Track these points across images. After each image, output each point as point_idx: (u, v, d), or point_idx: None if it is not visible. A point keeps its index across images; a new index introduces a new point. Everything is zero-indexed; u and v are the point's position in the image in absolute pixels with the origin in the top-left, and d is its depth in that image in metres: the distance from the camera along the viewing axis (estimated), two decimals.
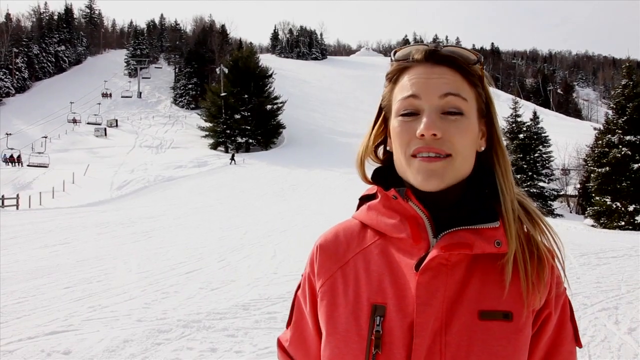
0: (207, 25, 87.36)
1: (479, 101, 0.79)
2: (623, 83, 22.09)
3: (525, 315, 0.74)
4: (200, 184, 26.83)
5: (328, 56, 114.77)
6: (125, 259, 7.74)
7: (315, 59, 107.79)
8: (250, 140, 45.94)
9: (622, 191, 20.40)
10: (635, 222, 19.52)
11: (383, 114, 0.85)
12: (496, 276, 0.75)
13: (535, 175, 26.70)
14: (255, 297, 5.45)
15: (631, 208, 19.89)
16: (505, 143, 0.83)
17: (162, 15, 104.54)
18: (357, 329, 0.75)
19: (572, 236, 11.95)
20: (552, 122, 51.09)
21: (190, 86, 66.80)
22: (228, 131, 44.89)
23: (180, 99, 67.50)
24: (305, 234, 10.49)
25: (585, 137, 33.18)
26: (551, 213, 24.61)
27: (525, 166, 26.62)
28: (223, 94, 45.67)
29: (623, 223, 19.72)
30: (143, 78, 73.64)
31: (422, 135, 0.73)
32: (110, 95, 68.42)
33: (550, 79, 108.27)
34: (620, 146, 20.83)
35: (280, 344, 0.94)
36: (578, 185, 29.22)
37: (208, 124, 46.26)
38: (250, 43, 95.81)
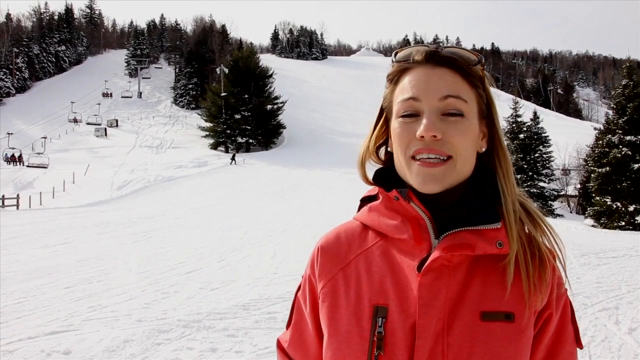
0: (208, 25, 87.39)
1: (480, 102, 0.79)
2: (623, 83, 22.09)
3: (527, 316, 0.74)
4: (201, 184, 26.84)
5: (328, 56, 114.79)
6: (125, 259, 7.74)
7: (316, 59, 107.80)
8: (251, 140, 45.96)
9: (622, 191, 20.40)
10: (636, 222, 19.52)
11: (384, 115, 0.85)
12: (498, 277, 0.75)
13: (535, 176, 26.71)
14: (256, 297, 5.45)
15: (631, 208, 19.89)
16: (506, 143, 0.83)
17: (162, 15, 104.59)
18: (359, 330, 0.75)
19: (572, 236, 11.95)
20: (553, 122, 51.11)
21: (190, 86, 66.84)
22: (228, 131, 44.91)
23: (180, 99, 67.53)
24: (305, 234, 10.49)
25: (585, 137, 33.17)
26: (551, 213, 24.62)
27: (525, 166, 26.63)
28: (223, 94, 45.68)
29: (623, 223, 19.72)
30: (143, 78, 73.67)
31: (422, 136, 0.73)
32: (111, 95, 68.46)
33: (550, 79, 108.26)
34: (621, 146, 20.83)
35: (279, 345, 0.94)
36: (578, 186, 29.21)
37: (208, 124, 46.29)
38: (251, 43, 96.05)
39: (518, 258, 0.75)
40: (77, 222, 12.67)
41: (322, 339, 0.82)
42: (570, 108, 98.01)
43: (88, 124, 53.32)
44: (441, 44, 0.81)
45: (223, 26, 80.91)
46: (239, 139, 45.01)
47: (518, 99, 32.60)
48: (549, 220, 0.82)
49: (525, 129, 28.10)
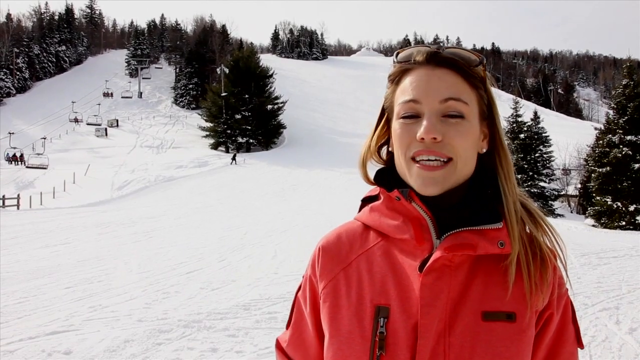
0: (208, 25, 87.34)
1: (481, 103, 0.79)
2: (624, 83, 22.09)
3: (528, 316, 0.74)
4: (201, 184, 26.85)
5: (329, 56, 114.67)
6: (126, 259, 7.75)
7: (316, 59, 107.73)
8: (251, 140, 45.97)
9: (622, 191, 20.40)
10: (636, 222, 19.52)
11: (386, 115, 0.85)
12: (499, 277, 0.75)
13: (536, 175, 26.73)
14: (256, 297, 5.46)
15: (632, 208, 19.89)
16: (506, 143, 0.83)
17: (162, 15, 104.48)
18: (360, 331, 0.75)
19: (572, 236, 11.94)
20: (553, 122, 51.08)
21: (190, 86, 66.85)
22: (229, 131, 44.92)
23: (180, 99, 67.55)
24: (305, 234, 10.50)
25: (585, 137, 33.16)
26: (552, 213, 24.61)
27: (526, 166, 26.64)
28: (224, 94, 45.69)
29: (624, 223, 19.72)
30: (144, 78, 73.67)
31: (422, 138, 0.73)
32: (111, 95, 68.45)
33: (550, 78, 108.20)
34: (621, 146, 20.83)
35: (278, 345, 0.94)
36: (579, 185, 29.20)
37: (209, 124, 46.30)
38: (251, 43, 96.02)
39: (519, 258, 0.75)
40: (78, 222, 12.68)
41: (322, 339, 0.82)
42: (570, 108, 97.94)
43: (88, 124, 53.31)
44: (442, 44, 0.81)
45: (223, 26, 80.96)
46: (240, 139, 45.03)
47: (518, 98, 32.62)
48: (550, 220, 0.82)
49: (525, 128, 28.11)
